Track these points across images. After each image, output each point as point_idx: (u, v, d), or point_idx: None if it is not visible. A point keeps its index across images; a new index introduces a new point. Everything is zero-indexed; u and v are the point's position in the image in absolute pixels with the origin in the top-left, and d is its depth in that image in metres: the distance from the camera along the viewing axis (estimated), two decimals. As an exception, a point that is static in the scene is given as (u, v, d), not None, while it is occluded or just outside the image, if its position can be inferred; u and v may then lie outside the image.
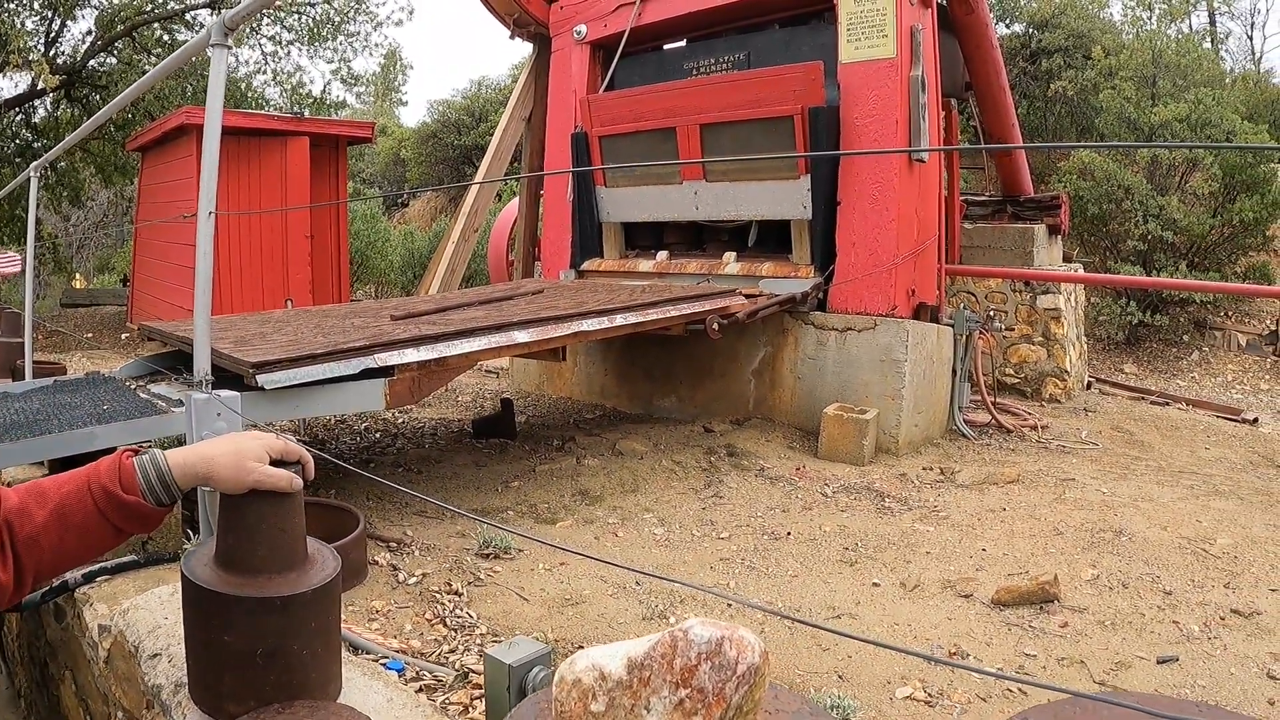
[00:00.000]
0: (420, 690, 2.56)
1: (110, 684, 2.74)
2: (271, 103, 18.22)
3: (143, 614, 2.52)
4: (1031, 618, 3.53)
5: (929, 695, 2.92)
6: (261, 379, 3.71)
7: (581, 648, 3.09)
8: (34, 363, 6.75)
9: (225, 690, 1.80)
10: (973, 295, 9.20)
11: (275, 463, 1.72)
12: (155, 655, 2.29)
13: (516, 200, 9.79)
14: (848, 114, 6.48)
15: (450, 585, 3.55)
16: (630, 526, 4.53)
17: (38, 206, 7.22)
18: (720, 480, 5.31)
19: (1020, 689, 2.97)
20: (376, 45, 22.83)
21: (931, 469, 5.78)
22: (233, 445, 1.70)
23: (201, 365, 3.05)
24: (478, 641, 3.07)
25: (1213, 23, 27.05)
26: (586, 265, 7.69)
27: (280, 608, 1.74)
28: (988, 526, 4.67)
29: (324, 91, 19.64)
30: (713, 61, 7.44)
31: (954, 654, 3.22)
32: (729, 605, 3.51)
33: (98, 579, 3.18)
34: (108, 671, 2.81)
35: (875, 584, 3.89)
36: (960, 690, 2.96)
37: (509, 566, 3.80)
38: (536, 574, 3.75)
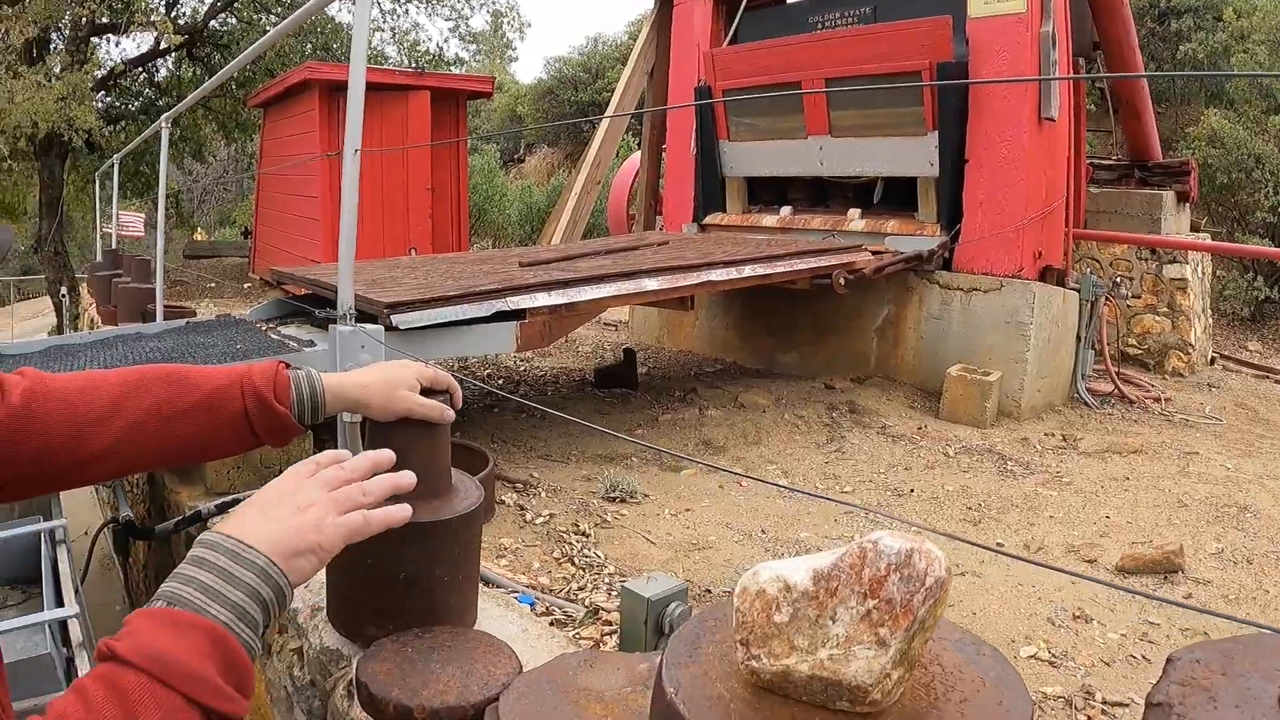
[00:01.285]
0: (552, 624, 2.61)
1: None
2: (390, 59, 18.44)
3: None
4: (1155, 587, 3.48)
5: (1053, 656, 2.91)
6: (396, 319, 3.77)
7: (709, 591, 3.15)
8: (164, 306, 6.95)
9: (365, 614, 1.83)
10: (1097, 262, 8.96)
11: (424, 391, 1.71)
12: (293, 580, 2.34)
13: (637, 154, 9.80)
14: (976, 70, 6.35)
15: (577, 526, 3.61)
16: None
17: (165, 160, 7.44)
18: (842, 436, 5.30)
19: (1145, 656, 2.94)
20: (494, 1, 22.90)
21: (1054, 435, 5.69)
22: (384, 374, 1.70)
23: (345, 298, 3.11)
24: (605, 580, 3.12)
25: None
26: (709, 219, 7.68)
27: (424, 534, 1.75)
28: (1111, 494, 4.60)
29: (440, 48, 19.81)
30: (838, 15, 7.33)
31: (1078, 617, 3.20)
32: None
33: (231, 509, 3.27)
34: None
35: (999, 544, 3.86)
36: (1084, 653, 2.94)
37: (635, 510, 3.86)
38: (662, 519, 3.80)
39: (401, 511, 1.29)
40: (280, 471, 1.25)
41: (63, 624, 4.01)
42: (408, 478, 1.32)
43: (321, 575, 2.01)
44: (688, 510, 3.90)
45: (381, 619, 1.80)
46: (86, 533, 5.71)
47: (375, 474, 1.29)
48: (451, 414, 1.74)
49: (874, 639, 0.80)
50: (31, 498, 1.69)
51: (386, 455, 1.33)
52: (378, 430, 1.74)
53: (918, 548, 0.83)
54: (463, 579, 1.86)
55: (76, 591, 4.34)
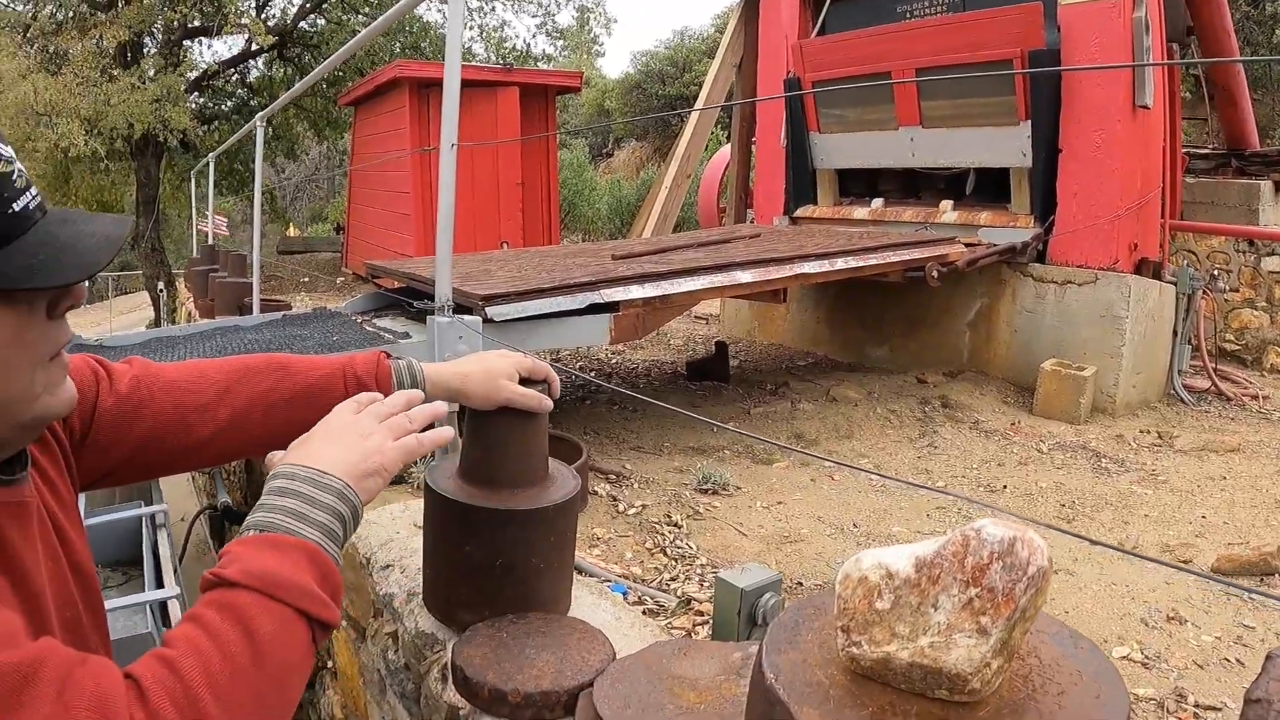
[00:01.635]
0: (644, 613, 2.64)
1: None
2: (477, 56, 18.62)
3: (375, 529, 2.64)
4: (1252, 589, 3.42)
5: (1146, 657, 2.88)
6: (491, 311, 3.83)
7: (800, 584, 3.16)
8: (260, 300, 7.12)
9: (461, 599, 1.86)
10: (1194, 254, 8.75)
11: (523, 381, 1.74)
12: (387, 566, 2.40)
13: (727, 148, 9.79)
14: (1068, 58, 6.23)
15: (670, 517, 3.65)
16: (845, 471, 4.52)
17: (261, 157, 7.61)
18: (934, 431, 5.26)
19: (1239, 659, 2.89)
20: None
21: (1149, 432, 5.58)
22: (484, 364, 1.73)
23: (444, 290, 3.18)
24: (698, 571, 3.14)
25: None
26: (800, 212, 7.66)
27: (521, 521, 1.77)
28: (1208, 494, 4.51)
29: (528, 45, 19.98)
30: (926, 4, 7.24)
31: (1171, 619, 3.15)
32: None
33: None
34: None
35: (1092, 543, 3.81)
36: (1178, 654, 2.90)
37: (727, 502, 3.88)
38: (754, 511, 3.81)
39: (445, 434, 1.43)
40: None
41: (162, 604, 4.17)
42: (441, 407, 1.47)
43: (418, 561, 2.07)
44: (779, 503, 3.91)
45: (477, 605, 1.84)
46: (184, 518, 5.91)
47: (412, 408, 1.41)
48: (549, 404, 1.76)
49: (975, 627, 0.81)
50: (141, 481, 1.76)
51: (417, 393, 1.46)
52: (476, 419, 1.78)
53: (1020, 536, 0.84)
54: (558, 566, 1.88)
55: (176, 573, 4.51)
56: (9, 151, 1.05)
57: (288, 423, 1.53)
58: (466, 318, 3.15)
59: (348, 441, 1.30)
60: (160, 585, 4.33)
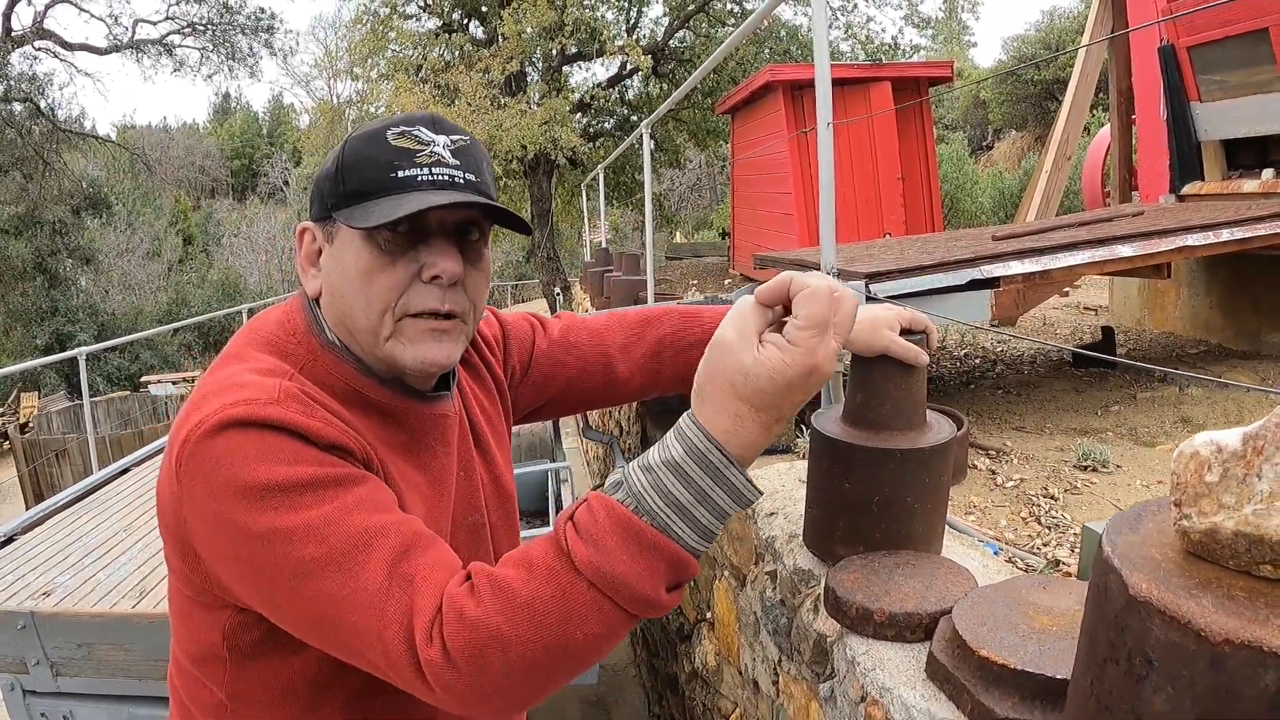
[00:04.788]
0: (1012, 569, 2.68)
1: (722, 544, 3.09)
2: (845, 55, 18.69)
3: (761, 482, 2.80)
4: None
5: None
6: (874, 287, 3.97)
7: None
8: (655, 294, 7.55)
9: (838, 535, 1.96)
10: None
11: (903, 333, 1.81)
12: (772, 514, 2.57)
13: (1108, 128, 9.38)
14: None
15: (1046, 490, 3.63)
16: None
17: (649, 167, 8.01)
18: (1339, 418, 4.85)
19: None
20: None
21: None
22: (868, 313, 1.81)
23: (828, 258, 3.36)
24: (1070, 539, 3.12)
25: None
26: (1186, 189, 7.22)
27: (898, 460, 1.85)
28: None
29: (895, 39, 19.83)
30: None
31: None
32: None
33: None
34: (722, 534, 3.18)
35: None
36: None
37: (1106, 480, 3.80)
38: (1133, 489, 3.72)
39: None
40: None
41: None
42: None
43: (800, 509, 2.22)
44: (1160, 483, 3.79)
45: (852, 540, 1.94)
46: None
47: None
48: (925, 357, 1.83)
49: None
50: (571, 414, 2.04)
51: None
52: (859, 365, 1.88)
53: (1344, 406, 0.84)
54: (931, 508, 1.95)
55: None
56: (435, 138, 1.31)
57: (693, 363, 1.70)
58: (849, 283, 3.31)
59: (779, 418, 1.10)
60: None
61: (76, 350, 8.96)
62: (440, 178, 1.28)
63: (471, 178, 1.31)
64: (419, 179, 1.27)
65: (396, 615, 1.06)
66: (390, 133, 1.29)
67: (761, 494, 1.10)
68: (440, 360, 1.33)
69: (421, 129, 1.30)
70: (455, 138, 1.32)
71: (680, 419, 1.12)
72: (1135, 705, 0.88)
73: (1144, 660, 0.86)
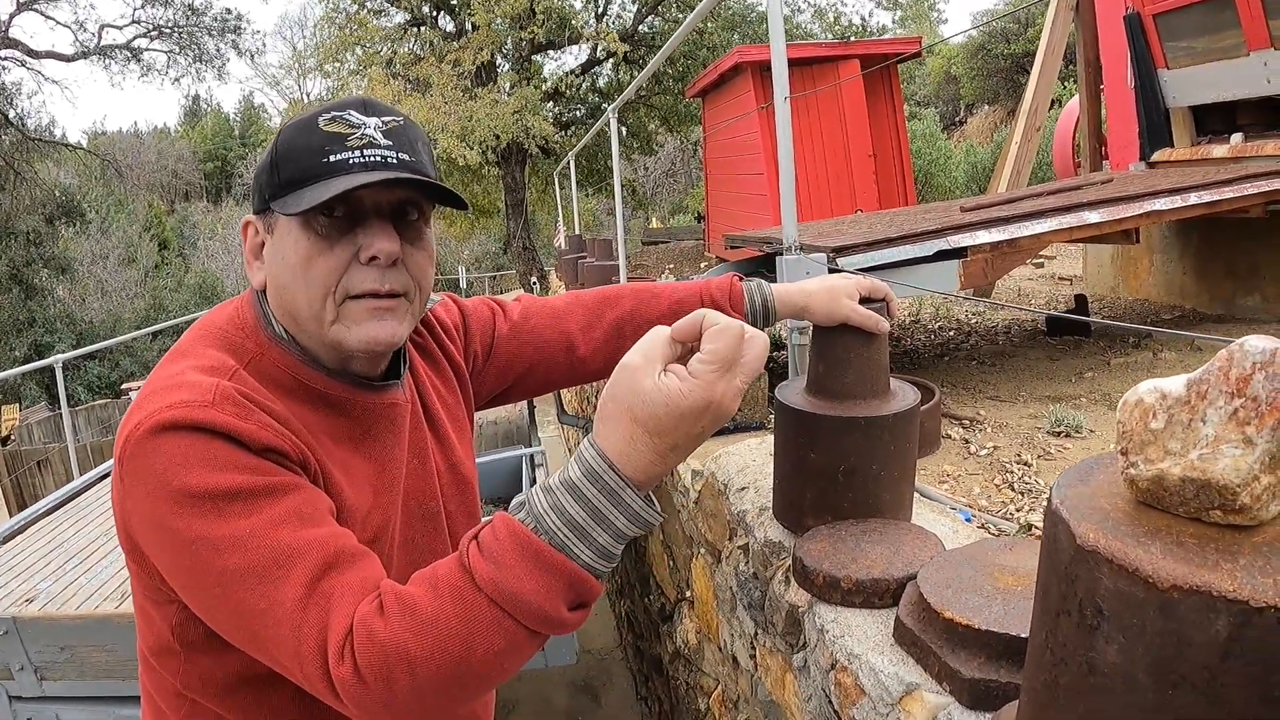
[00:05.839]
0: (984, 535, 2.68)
1: (697, 521, 3.11)
2: (813, 37, 18.73)
3: (733, 458, 2.85)
4: None
5: None
6: (842, 261, 3.95)
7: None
8: (628, 278, 7.54)
9: (806, 505, 1.97)
10: None
11: (863, 301, 1.82)
12: (742, 489, 2.60)
13: (1076, 98, 9.39)
14: None
15: (1020, 457, 3.64)
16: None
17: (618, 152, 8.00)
18: (1313, 377, 4.87)
19: None
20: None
21: None
22: (827, 283, 1.83)
23: (789, 232, 3.36)
24: (1042, 504, 3.13)
25: None
26: (1156, 156, 7.23)
27: (862, 427, 1.86)
28: None
29: (864, 20, 19.91)
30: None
31: None
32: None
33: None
34: (696, 511, 3.19)
35: None
36: None
37: (1079, 444, 3.81)
38: (1107, 453, 3.73)
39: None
40: (738, 414, 1.24)
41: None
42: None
43: (770, 483, 2.23)
44: (1132, 445, 3.81)
45: (820, 510, 1.95)
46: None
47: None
48: (886, 324, 1.84)
49: (1240, 438, 0.83)
50: (535, 396, 2.04)
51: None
52: (821, 335, 1.89)
53: (1282, 347, 0.84)
54: (898, 475, 1.95)
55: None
56: (366, 120, 1.30)
57: None
58: (812, 256, 3.30)
59: (678, 449, 1.09)
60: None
61: (53, 359, 8.89)
62: (372, 159, 1.28)
63: (405, 157, 1.30)
64: (350, 162, 1.27)
65: (312, 632, 1.08)
66: (322, 119, 1.29)
67: (663, 518, 1.12)
68: (385, 339, 1.32)
69: (352, 112, 1.30)
70: (387, 119, 1.32)
71: (582, 440, 1.13)
72: (1089, 656, 0.88)
73: (1095, 610, 0.86)
